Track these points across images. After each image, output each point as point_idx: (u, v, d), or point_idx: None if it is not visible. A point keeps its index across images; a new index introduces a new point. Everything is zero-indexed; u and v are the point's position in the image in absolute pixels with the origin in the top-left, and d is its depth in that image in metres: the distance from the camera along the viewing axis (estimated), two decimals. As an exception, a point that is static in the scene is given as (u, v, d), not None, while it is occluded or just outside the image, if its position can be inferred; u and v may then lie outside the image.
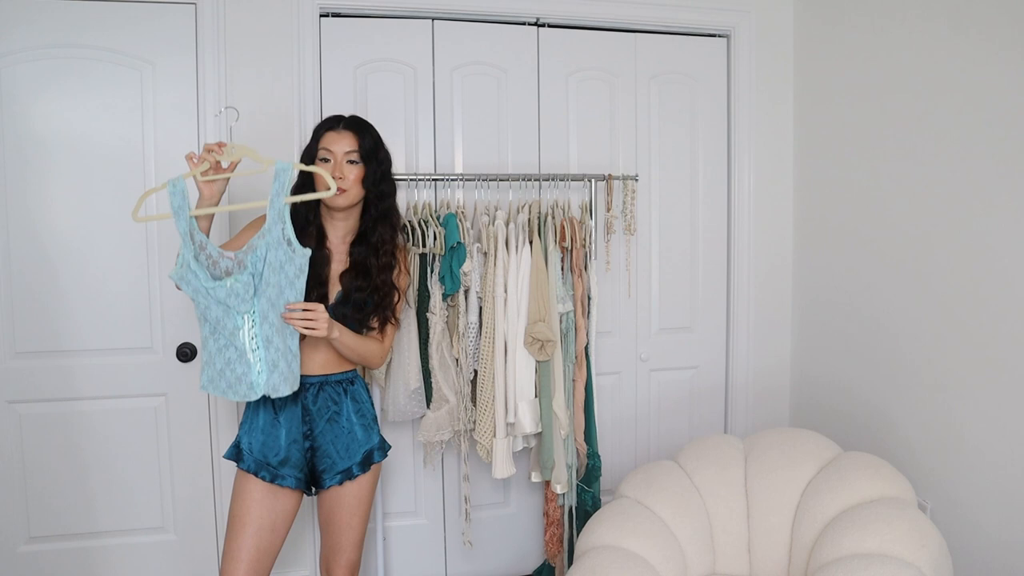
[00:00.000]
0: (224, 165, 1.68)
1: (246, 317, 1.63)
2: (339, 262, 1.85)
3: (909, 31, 2.15)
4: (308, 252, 1.66)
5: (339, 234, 1.86)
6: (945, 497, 2.05)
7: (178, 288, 1.66)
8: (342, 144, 1.79)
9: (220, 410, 2.33)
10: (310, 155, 1.82)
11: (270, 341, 1.64)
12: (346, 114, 1.87)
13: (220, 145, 1.66)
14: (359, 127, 1.83)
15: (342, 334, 1.76)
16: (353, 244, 1.86)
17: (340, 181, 1.76)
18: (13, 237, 2.19)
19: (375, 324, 1.87)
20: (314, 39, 2.35)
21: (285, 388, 1.66)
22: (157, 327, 2.30)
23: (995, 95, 1.88)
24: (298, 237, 1.70)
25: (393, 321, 1.90)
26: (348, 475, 1.82)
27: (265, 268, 1.61)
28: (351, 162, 1.79)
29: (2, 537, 2.24)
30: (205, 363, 1.69)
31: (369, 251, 1.84)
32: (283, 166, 1.61)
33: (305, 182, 1.80)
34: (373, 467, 1.87)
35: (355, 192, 1.80)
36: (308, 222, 1.82)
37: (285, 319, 1.64)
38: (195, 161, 1.65)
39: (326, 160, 1.79)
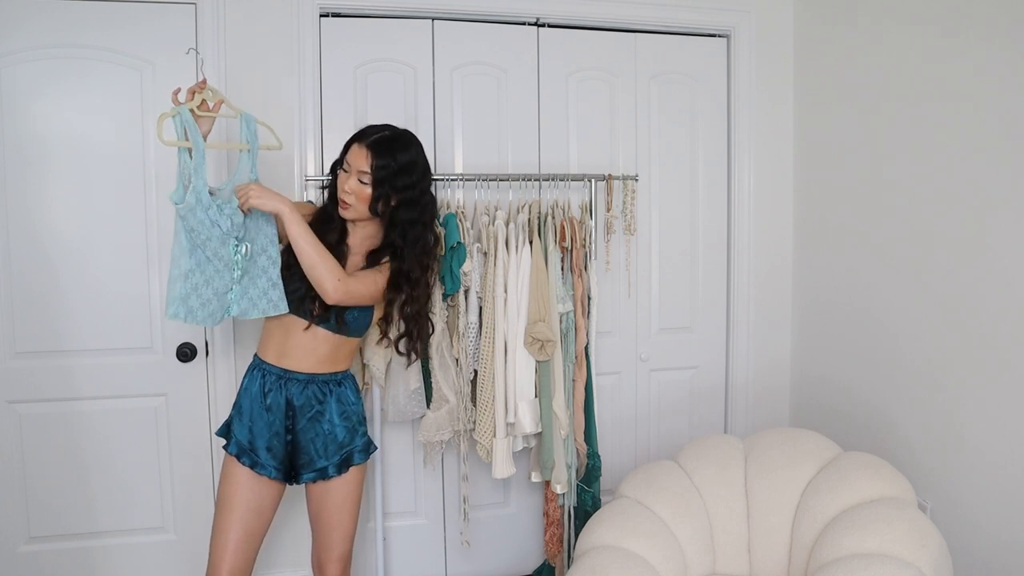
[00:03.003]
0: (210, 105, 1.68)
1: (242, 246, 1.71)
2: (354, 265, 1.87)
3: (909, 31, 2.15)
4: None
5: (356, 239, 1.90)
6: (945, 497, 2.05)
7: (176, 209, 1.60)
8: (359, 161, 1.78)
9: (220, 410, 2.32)
10: (341, 163, 1.85)
11: (246, 272, 1.73)
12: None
13: (203, 83, 1.66)
14: (381, 149, 1.77)
15: (300, 227, 1.67)
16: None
17: (344, 195, 1.79)
18: (13, 237, 2.19)
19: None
20: (314, 39, 2.35)
21: (255, 312, 1.76)
22: (157, 327, 2.30)
23: (995, 95, 1.88)
24: (323, 230, 1.82)
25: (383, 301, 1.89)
26: (323, 475, 1.83)
27: None
28: (362, 182, 1.78)
29: (2, 537, 2.24)
30: (184, 295, 1.63)
31: (400, 280, 1.84)
32: (248, 116, 1.77)
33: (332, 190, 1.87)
34: (354, 468, 1.87)
35: (359, 209, 1.80)
36: (332, 219, 1.86)
37: (240, 206, 1.67)
38: (189, 96, 1.62)
39: (345, 171, 1.81)
